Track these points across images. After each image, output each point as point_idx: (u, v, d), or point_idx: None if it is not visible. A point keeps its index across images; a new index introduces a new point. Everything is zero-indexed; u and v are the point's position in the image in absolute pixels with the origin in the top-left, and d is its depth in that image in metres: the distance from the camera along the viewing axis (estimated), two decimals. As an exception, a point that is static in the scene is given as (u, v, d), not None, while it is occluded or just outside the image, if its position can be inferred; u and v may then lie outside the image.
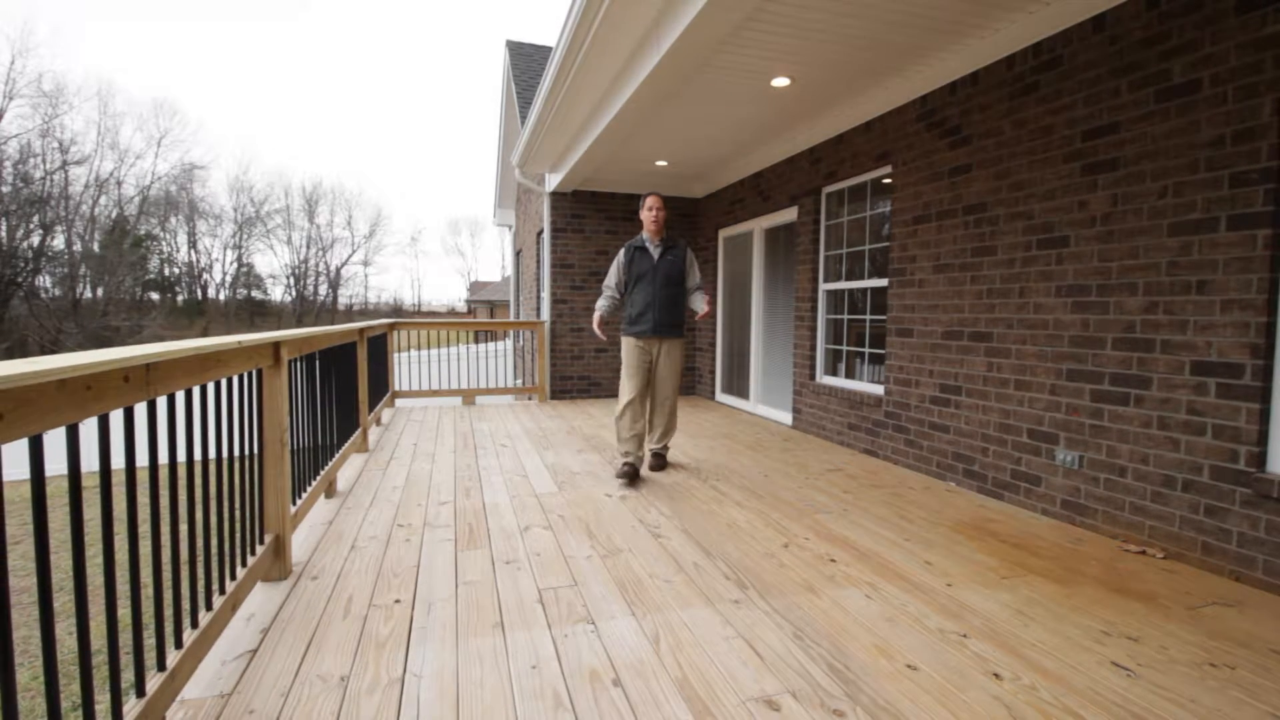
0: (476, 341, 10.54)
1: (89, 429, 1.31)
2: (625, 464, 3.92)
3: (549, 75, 4.62)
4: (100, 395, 1.26)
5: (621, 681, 1.78)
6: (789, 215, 5.90)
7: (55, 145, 35.13)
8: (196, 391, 1.80)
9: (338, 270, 53.94)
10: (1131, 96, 2.84)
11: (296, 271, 51.92)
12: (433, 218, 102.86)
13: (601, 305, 4.16)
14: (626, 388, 4.05)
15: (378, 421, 5.81)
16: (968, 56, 3.69)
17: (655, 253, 4.02)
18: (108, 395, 1.29)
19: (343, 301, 54.10)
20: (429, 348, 8.74)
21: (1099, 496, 3.01)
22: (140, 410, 1.46)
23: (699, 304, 4.06)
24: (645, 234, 4.08)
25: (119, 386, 1.33)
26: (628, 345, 4.05)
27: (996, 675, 1.81)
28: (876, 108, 4.52)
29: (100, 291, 36.92)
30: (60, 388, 1.13)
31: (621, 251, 4.15)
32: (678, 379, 4.13)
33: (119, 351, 1.35)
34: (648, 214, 4.01)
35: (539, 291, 9.32)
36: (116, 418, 1.35)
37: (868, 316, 4.89)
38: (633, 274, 4.04)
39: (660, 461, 4.22)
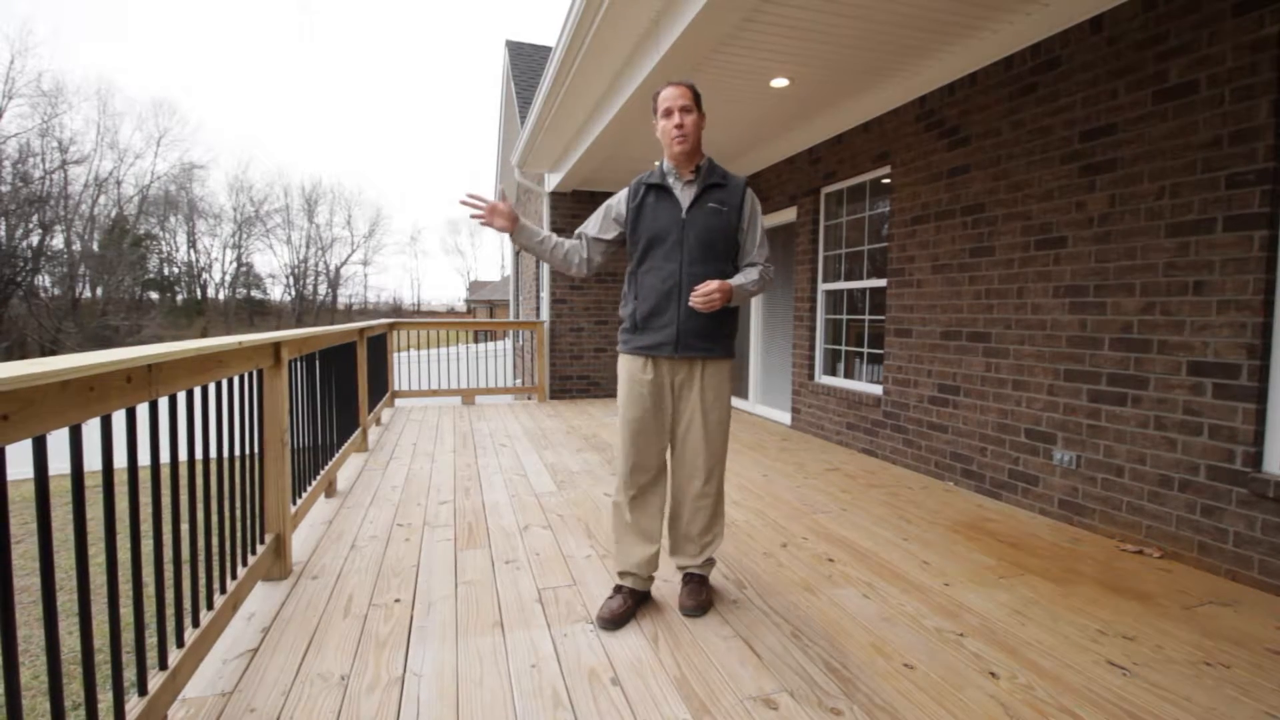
0: (476, 341, 10.54)
1: (91, 429, 1.32)
2: (616, 588, 2.23)
3: (548, 75, 4.63)
4: (103, 396, 1.27)
5: (620, 680, 1.78)
6: (788, 215, 5.91)
7: (54, 145, 35.15)
8: (198, 392, 1.81)
9: (337, 270, 54.00)
10: (1129, 97, 2.85)
11: (296, 271, 51.95)
12: (432, 217, 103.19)
13: (552, 242, 2.28)
14: (623, 460, 2.22)
15: (377, 421, 5.82)
16: (966, 57, 3.70)
17: (685, 196, 2.17)
18: (110, 396, 1.30)
19: (342, 301, 54.16)
20: (428, 347, 8.74)
21: (1096, 496, 3.02)
22: (142, 410, 1.47)
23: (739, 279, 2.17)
24: (666, 161, 2.21)
25: (121, 387, 1.34)
26: (629, 373, 2.23)
27: (993, 674, 1.82)
28: (875, 108, 4.52)
29: (99, 291, 36.92)
30: (63, 389, 1.14)
31: (623, 193, 2.28)
32: (723, 436, 2.24)
33: (122, 352, 1.36)
34: (666, 123, 2.13)
35: (538, 291, 9.32)
36: (119, 418, 1.36)
37: (866, 316, 4.90)
38: (642, 233, 2.19)
39: (698, 595, 2.22)
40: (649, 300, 2.17)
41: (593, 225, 2.32)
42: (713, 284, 2.05)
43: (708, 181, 2.17)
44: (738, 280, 2.15)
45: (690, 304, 2.08)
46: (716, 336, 2.20)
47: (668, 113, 2.13)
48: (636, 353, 2.21)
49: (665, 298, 2.15)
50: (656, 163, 2.29)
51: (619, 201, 2.28)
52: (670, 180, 2.20)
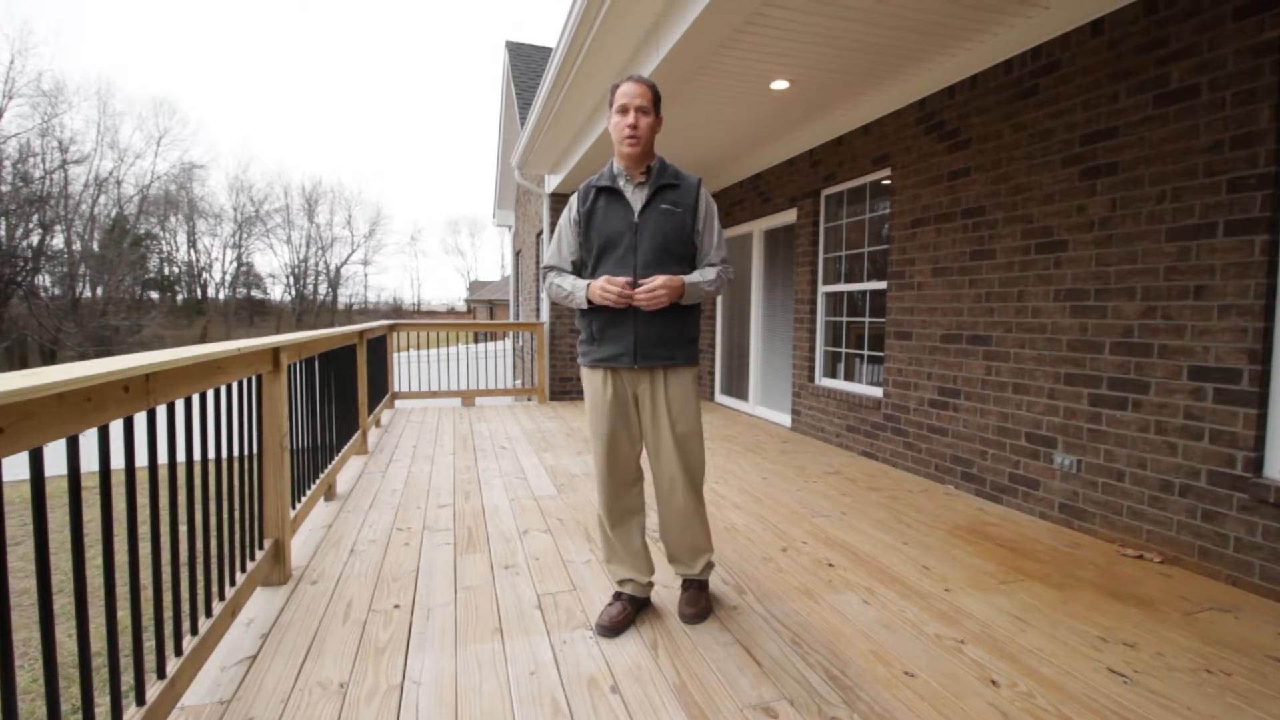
0: (476, 342, 10.52)
1: (88, 439, 1.31)
2: (615, 595, 2.22)
3: (549, 77, 4.63)
4: (100, 406, 1.26)
5: (620, 688, 1.78)
6: (788, 217, 5.90)
7: (55, 144, 35.16)
8: (196, 399, 1.81)
9: (337, 269, 54.04)
10: (1130, 101, 2.84)
11: (296, 271, 51.98)
12: (432, 218, 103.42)
13: (559, 285, 2.17)
14: (598, 475, 2.19)
15: (377, 423, 5.82)
16: (966, 60, 3.69)
17: (637, 198, 2.09)
18: (108, 406, 1.29)
19: (342, 301, 54.24)
20: (428, 348, 8.74)
21: (1097, 500, 3.01)
22: (140, 419, 1.46)
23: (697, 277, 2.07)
24: (616, 162, 2.14)
25: (119, 397, 1.33)
26: (590, 390, 2.16)
27: (994, 682, 1.82)
28: (875, 111, 4.52)
29: (100, 291, 36.92)
30: (60, 400, 1.14)
31: (574, 199, 2.19)
32: (696, 447, 2.15)
33: (119, 361, 1.35)
34: (620, 119, 2.05)
35: (539, 292, 9.32)
36: (116, 428, 1.36)
37: (866, 319, 4.89)
38: (594, 239, 2.10)
39: (697, 602, 2.20)
40: (605, 310, 2.05)
41: (561, 253, 2.19)
42: (658, 279, 1.96)
43: (660, 182, 2.08)
44: (692, 278, 2.04)
45: (635, 300, 1.98)
46: (677, 343, 2.08)
47: (623, 109, 2.04)
48: (596, 365, 2.12)
49: (622, 307, 2.02)
50: (606, 164, 2.18)
51: (573, 205, 2.17)
52: (621, 183, 2.11)
